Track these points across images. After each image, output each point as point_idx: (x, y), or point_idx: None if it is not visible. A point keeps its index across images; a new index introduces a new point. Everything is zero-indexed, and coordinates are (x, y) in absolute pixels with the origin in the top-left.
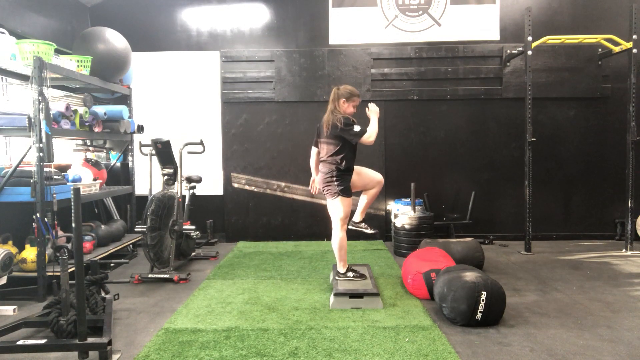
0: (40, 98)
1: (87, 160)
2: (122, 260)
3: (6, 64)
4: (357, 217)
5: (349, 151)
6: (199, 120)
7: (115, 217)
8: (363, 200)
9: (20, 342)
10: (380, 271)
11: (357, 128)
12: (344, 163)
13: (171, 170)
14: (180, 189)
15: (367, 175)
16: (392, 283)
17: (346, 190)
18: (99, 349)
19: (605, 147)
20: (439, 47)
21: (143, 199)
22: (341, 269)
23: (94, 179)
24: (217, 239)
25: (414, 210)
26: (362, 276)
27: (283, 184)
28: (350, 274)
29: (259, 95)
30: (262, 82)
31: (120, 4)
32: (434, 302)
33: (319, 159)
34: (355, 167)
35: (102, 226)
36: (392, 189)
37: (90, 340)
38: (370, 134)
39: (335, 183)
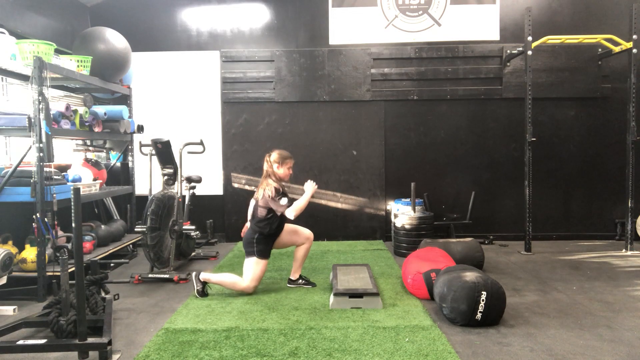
0: (40, 98)
1: (87, 160)
2: (122, 260)
3: (6, 64)
4: (294, 276)
5: (276, 219)
6: (199, 120)
7: (115, 217)
8: (296, 260)
9: (20, 342)
10: (380, 271)
11: (283, 201)
12: (268, 230)
13: (171, 170)
14: (180, 189)
15: (294, 233)
16: (392, 283)
17: (263, 252)
18: (99, 349)
19: (605, 147)
20: (439, 47)
21: (143, 199)
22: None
23: (94, 179)
24: (217, 239)
25: (414, 210)
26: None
27: (283, 183)
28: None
29: (259, 95)
30: (262, 82)
31: (120, 4)
32: (434, 302)
33: (250, 217)
34: (286, 225)
35: (102, 226)
36: (392, 189)
37: (90, 340)
38: (295, 209)
39: (255, 245)
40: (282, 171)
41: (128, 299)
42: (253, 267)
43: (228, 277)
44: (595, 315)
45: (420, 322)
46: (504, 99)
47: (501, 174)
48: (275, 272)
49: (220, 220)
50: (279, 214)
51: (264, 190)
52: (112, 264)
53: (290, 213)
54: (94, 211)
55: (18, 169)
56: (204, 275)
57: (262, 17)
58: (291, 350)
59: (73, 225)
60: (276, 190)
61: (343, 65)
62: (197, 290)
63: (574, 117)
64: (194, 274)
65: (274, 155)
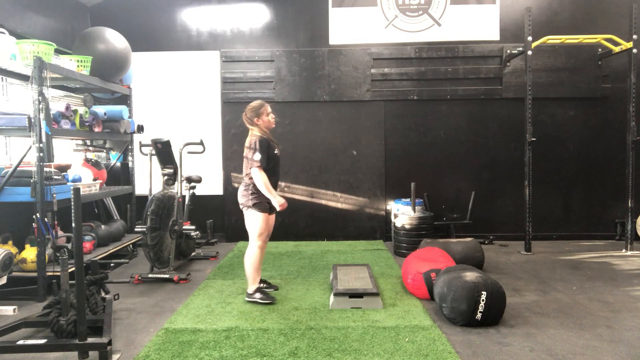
0: (40, 98)
1: (87, 160)
2: (122, 260)
3: (6, 64)
4: (250, 289)
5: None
6: (199, 120)
7: (115, 217)
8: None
9: (20, 342)
10: (380, 271)
11: (257, 156)
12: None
13: (171, 170)
14: (180, 189)
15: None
16: (392, 283)
17: (260, 205)
18: (99, 349)
19: (605, 147)
20: (439, 47)
21: (143, 199)
22: (250, 288)
23: (94, 179)
24: (217, 239)
25: (414, 210)
26: (271, 300)
27: (283, 184)
28: (258, 295)
29: (259, 95)
30: (262, 82)
31: (120, 4)
32: (434, 302)
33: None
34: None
35: (102, 226)
36: (392, 189)
37: (90, 340)
38: (262, 178)
39: (250, 197)
40: (262, 122)
41: (128, 299)
42: (253, 218)
43: (247, 264)
44: (595, 315)
45: (420, 322)
46: (504, 99)
47: (501, 174)
48: (275, 272)
49: (220, 220)
50: (248, 167)
51: (249, 141)
52: (112, 264)
53: (256, 173)
54: (94, 211)
55: (18, 169)
56: (250, 290)
57: (262, 17)
58: (291, 350)
59: (73, 225)
60: (260, 140)
61: (343, 65)
62: (263, 298)
63: (574, 117)
64: (255, 297)
65: (248, 112)
